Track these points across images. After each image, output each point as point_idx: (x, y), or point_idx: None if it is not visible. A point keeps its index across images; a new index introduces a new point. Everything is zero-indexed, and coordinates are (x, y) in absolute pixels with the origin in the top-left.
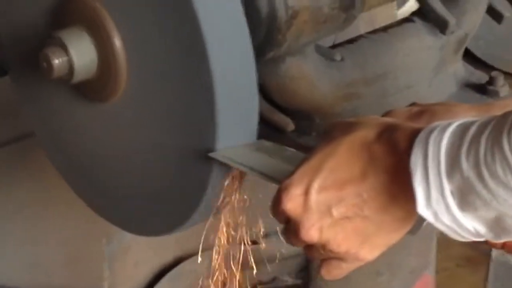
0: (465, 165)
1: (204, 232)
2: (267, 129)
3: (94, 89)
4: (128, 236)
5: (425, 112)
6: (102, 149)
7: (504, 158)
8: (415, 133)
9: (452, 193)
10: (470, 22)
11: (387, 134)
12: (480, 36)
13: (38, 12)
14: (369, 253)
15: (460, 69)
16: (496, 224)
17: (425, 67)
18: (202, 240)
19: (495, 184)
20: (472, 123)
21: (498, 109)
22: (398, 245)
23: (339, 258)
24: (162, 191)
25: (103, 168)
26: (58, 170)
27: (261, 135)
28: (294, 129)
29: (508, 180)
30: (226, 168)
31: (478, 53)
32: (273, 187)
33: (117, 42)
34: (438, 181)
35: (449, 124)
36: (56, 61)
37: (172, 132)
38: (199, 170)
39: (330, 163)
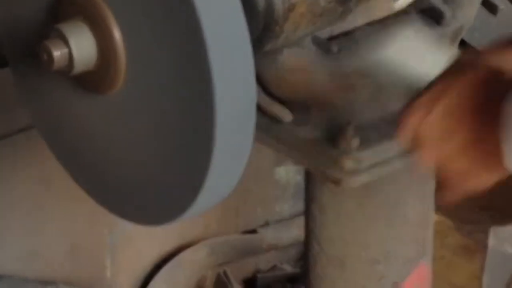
0: None
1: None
2: (265, 120)
3: (94, 80)
4: (130, 226)
5: None
6: (102, 139)
7: None
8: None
9: None
10: (466, 14)
11: (501, 74)
12: (476, 27)
13: (38, 4)
14: (486, 181)
15: None
16: None
17: (421, 58)
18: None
19: None
20: None
21: None
22: (395, 233)
23: (460, 181)
24: (162, 180)
25: (104, 158)
26: (59, 161)
27: (259, 126)
28: (292, 120)
29: None
30: (225, 161)
31: (474, 44)
32: (272, 177)
33: (116, 34)
34: None
35: None
36: (56, 53)
37: (171, 123)
38: (198, 159)
39: (451, 94)
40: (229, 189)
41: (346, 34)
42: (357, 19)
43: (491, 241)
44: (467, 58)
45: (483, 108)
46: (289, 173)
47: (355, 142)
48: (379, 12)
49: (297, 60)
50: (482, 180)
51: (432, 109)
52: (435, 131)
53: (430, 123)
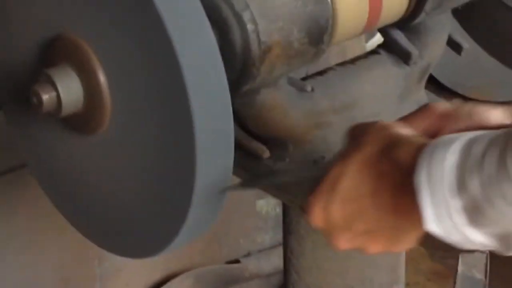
0: (471, 185)
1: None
2: (244, 156)
3: (82, 122)
4: (119, 258)
5: (447, 118)
6: (89, 178)
7: (510, 179)
8: (418, 150)
9: (459, 211)
10: (432, 53)
11: (390, 150)
12: (444, 64)
13: (28, 50)
14: (398, 248)
15: (423, 96)
16: (505, 240)
17: (390, 96)
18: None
19: (504, 205)
20: (475, 140)
21: None
22: (369, 260)
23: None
24: (146, 215)
25: (91, 196)
26: (49, 198)
27: (238, 162)
28: (270, 156)
29: None
30: (206, 196)
31: (443, 80)
32: (253, 209)
33: (101, 78)
34: (444, 201)
35: (452, 141)
36: (45, 97)
37: (154, 163)
38: (179, 198)
39: (345, 182)
40: (209, 224)
41: (320, 73)
42: (330, 59)
43: (460, 267)
44: (355, 134)
45: (390, 179)
46: (270, 205)
47: None
48: (352, 52)
49: (274, 99)
50: (402, 245)
51: (331, 197)
52: (339, 219)
53: (331, 212)
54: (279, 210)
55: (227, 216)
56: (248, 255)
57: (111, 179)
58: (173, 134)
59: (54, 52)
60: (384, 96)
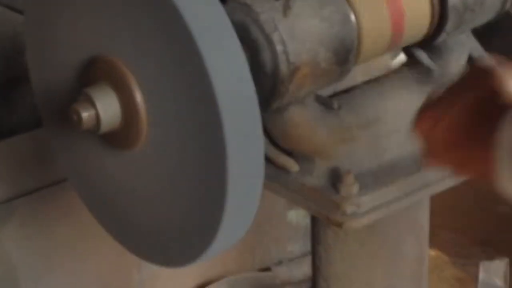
0: None
1: None
2: (274, 170)
3: (119, 138)
4: (156, 266)
5: None
6: (127, 190)
7: None
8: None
9: None
10: (453, 71)
11: (491, 104)
12: None
13: (68, 71)
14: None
15: None
16: None
17: (413, 111)
18: None
19: None
20: None
21: None
22: (394, 269)
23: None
24: (182, 226)
25: (128, 208)
26: (89, 210)
27: (268, 175)
28: (298, 170)
29: None
30: (238, 207)
31: None
32: (284, 220)
33: (138, 97)
34: None
35: None
36: (84, 114)
37: (189, 174)
38: (213, 208)
39: (451, 113)
40: (242, 233)
41: (346, 91)
42: (356, 77)
43: (481, 275)
44: (473, 74)
45: (479, 129)
46: (299, 216)
47: (355, 188)
48: (377, 70)
49: (301, 116)
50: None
51: (438, 122)
52: (440, 143)
53: (435, 135)
54: (309, 220)
55: (259, 226)
56: (279, 263)
57: (147, 191)
58: (206, 150)
59: (92, 72)
60: (406, 112)
